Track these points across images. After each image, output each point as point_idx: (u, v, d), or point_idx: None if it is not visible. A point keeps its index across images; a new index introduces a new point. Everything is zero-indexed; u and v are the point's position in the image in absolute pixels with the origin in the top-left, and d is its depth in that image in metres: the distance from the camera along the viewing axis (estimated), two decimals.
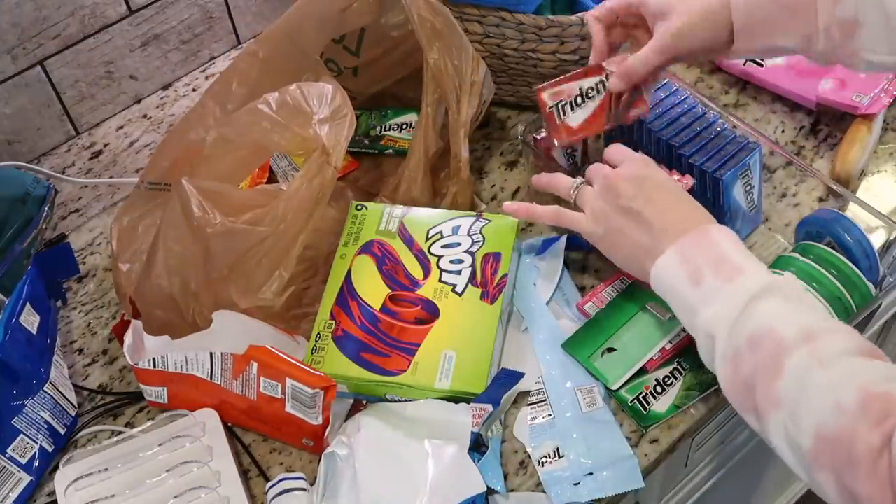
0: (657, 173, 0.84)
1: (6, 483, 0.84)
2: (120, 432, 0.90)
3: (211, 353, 0.85)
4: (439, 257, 0.92)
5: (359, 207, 0.97)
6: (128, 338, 0.89)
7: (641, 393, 0.86)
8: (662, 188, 0.82)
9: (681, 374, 0.87)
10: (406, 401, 0.86)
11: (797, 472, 0.66)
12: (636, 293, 0.91)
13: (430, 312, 0.89)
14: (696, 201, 0.82)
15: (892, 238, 0.95)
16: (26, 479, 0.86)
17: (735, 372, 0.70)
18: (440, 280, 0.91)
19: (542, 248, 0.97)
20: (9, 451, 0.84)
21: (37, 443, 0.86)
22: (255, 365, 0.83)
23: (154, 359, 0.86)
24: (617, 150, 0.87)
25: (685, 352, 0.88)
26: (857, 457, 0.60)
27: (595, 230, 0.84)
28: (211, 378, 0.86)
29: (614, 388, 0.86)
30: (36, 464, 0.86)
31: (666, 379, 0.87)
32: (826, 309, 0.83)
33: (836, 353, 0.65)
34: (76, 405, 0.91)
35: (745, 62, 1.13)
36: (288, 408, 0.84)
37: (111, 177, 1.14)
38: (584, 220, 0.85)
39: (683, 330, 0.87)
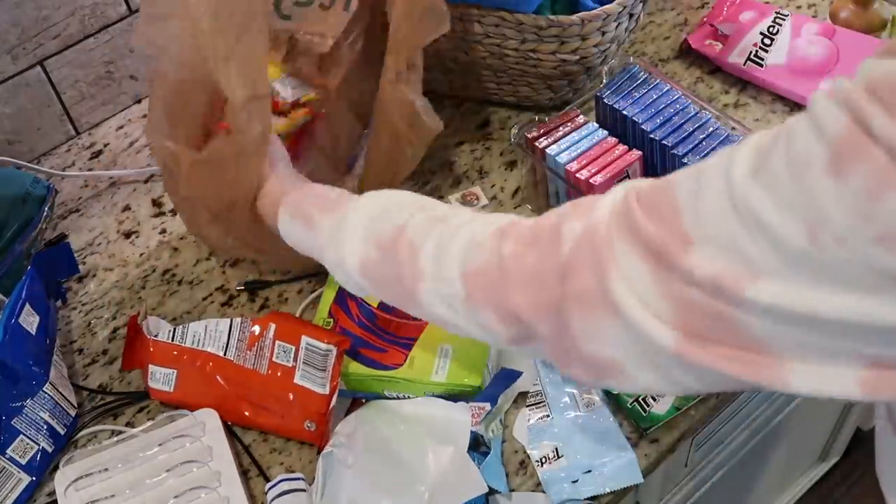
0: None
1: (6, 483, 0.85)
2: (120, 432, 0.90)
3: (231, 321, 0.89)
4: None
5: None
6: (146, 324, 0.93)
7: (641, 394, 0.86)
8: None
9: None
10: (404, 397, 0.86)
11: (466, 330, 0.67)
12: None
13: None
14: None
15: None
16: (26, 479, 0.86)
17: (372, 278, 0.72)
18: None
19: None
20: (9, 451, 0.85)
21: (37, 443, 0.86)
22: (272, 328, 0.87)
23: (174, 329, 0.90)
24: None
25: None
26: (504, 270, 0.61)
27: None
28: (225, 353, 0.88)
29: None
30: (36, 464, 0.86)
31: None
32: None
33: (460, 223, 0.67)
34: (76, 405, 0.91)
35: (746, 62, 1.13)
36: (297, 378, 0.85)
37: (111, 177, 1.14)
38: None
39: None
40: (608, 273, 0.55)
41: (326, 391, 0.85)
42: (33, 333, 0.88)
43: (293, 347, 0.86)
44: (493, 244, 0.63)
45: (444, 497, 0.78)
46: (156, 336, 0.91)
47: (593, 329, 0.57)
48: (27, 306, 0.88)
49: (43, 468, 0.87)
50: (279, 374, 0.87)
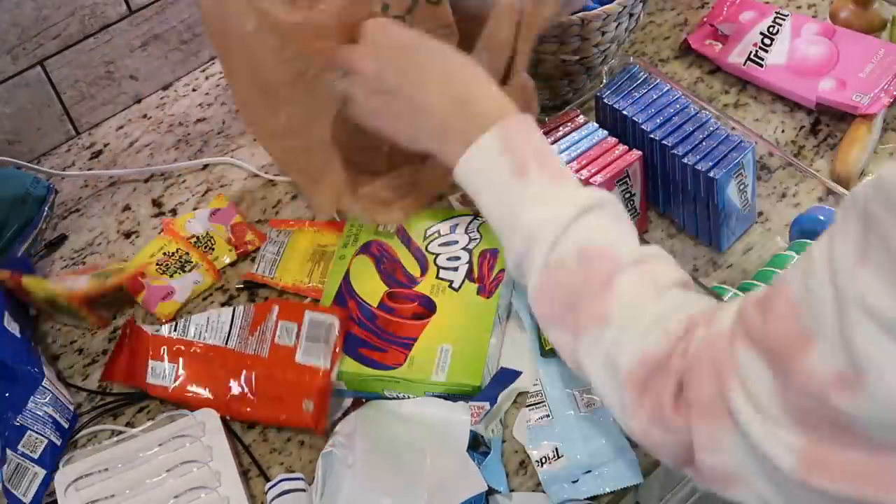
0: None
1: (24, 478, 0.86)
2: (120, 432, 0.90)
3: (234, 309, 0.91)
4: (437, 255, 0.93)
5: None
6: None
7: None
8: (463, 61, 0.73)
9: None
10: (404, 397, 0.86)
11: (601, 392, 0.64)
12: None
13: (427, 308, 0.89)
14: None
15: None
16: (41, 472, 0.86)
17: (556, 282, 0.65)
18: (437, 277, 0.92)
19: None
20: (20, 447, 0.86)
21: (45, 437, 0.87)
22: (276, 309, 0.89)
23: (176, 323, 0.91)
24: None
25: None
26: (669, 370, 0.59)
27: (375, 74, 0.72)
28: (227, 343, 0.89)
29: None
30: (48, 457, 0.87)
31: None
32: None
33: (669, 282, 0.63)
34: (72, 400, 0.92)
35: (746, 62, 1.13)
36: (299, 356, 0.86)
37: (111, 177, 1.14)
38: (361, 58, 0.73)
39: None
40: (727, 380, 0.54)
41: (328, 364, 0.85)
42: (18, 337, 0.90)
43: (296, 325, 0.87)
44: (675, 342, 0.60)
45: (444, 496, 0.78)
46: (157, 331, 0.92)
47: (712, 439, 0.56)
48: (6, 314, 0.90)
49: (54, 461, 0.87)
50: (281, 354, 0.87)
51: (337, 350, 0.86)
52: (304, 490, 0.82)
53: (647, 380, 0.60)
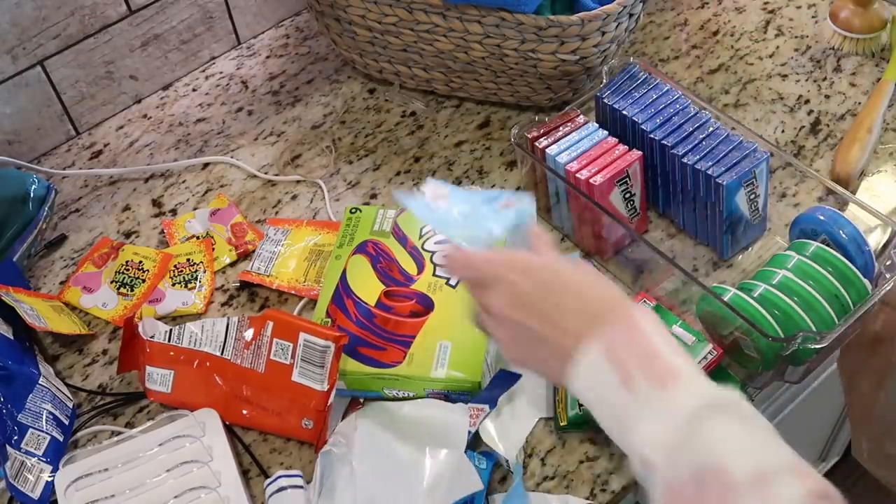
0: (552, 261, 0.70)
1: (30, 475, 0.85)
2: (120, 432, 0.90)
3: (227, 320, 0.89)
4: (433, 252, 0.93)
5: (353, 211, 0.99)
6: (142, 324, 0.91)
7: None
8: (564, 273, 0.68)
9: None
10: (404, 396, 0.86)
11: None
12: (659, 313, 0.90)
13: (425, 305, 0.90)
14: (604, 278, 0.69)
15: (890, 238, 0.94)
16: (48, 469, 0.86)
17: (676, 495, 0.59)
18: (434, 274, 0.92)
19: None
20: (23, 445, 0.86)
21: (48, 433, 0.87)
22: (270, 326, 0.87)
23: (171, 330, 0.90)
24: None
25: (708, 375, 0.87)
26: None
27: (501, 338, 0.70)
28: (222, 353, 0.88)
29: None
30: (52, 454, 0.87)
31: None
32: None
33: (790, 500, 0.56)
34: (71, 398, 0.92)
35: None
36: (295, 375, 0.85)
37: (111, 177, 1.14)
38: (490, 326, 0.71)
39: (710, 353, 0.86)
40: None
41: (325, 388, 0.85)
42: (12, 339, 0.90)
43: (291, 345, 0.86)
44: None
45: (441, 494, 0.78)
46: (152, 337, 0.91)
47: None
48: None
49: (58, 457, 0.87)
50: (277, 371, 0.87)
51: (334, 374, 0.85)
52: (301, 487, 0.82)
53: None
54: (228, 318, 0.90)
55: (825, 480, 0.57)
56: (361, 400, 0.88)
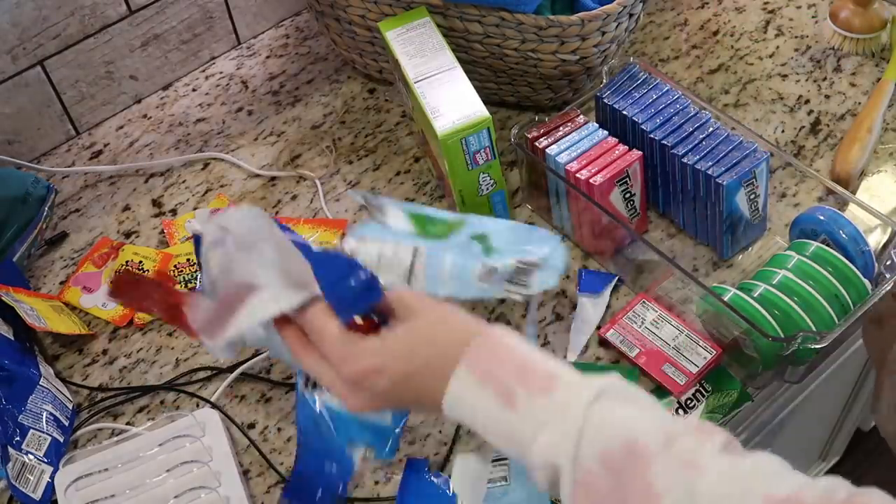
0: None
1: (31, 476, 0.86)
2: (120, 432, 0.90)
3: None
4: None
5: None
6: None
7: None
8: (413, 331, 0.65)
9: (703, 396, 0.87)
10: None
11: None
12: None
13: None
14: (448, 308, 0.66)
15: (890, 238, 0.94)
16: (49, 469, 0.86)
17: (592, 498, 0.57)
18: None
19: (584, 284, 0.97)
20: (24, 446, 0.86)
21: (49, 434, 0.87)
22: None
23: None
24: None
25: (708, 375, 0.88)
26: None
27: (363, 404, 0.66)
28: None
29: None
30: (53, 454, 0.87)
31: (688, 401, 0.87)
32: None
33: (706, 454, 0.56)
34: (71, 398, 0.92)
35: None
36: None
37: (111, 177, 1.14)
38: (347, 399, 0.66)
39: (708, 353, 0.86)
40: None
41: None
42: (12, 340, 0.90)
43: None
44: None
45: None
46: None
47: None
48: None
49: (59, 457, 0.87)
50: None
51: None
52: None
53: None
54: None
55: (727, 432, 0.58)
56: None
